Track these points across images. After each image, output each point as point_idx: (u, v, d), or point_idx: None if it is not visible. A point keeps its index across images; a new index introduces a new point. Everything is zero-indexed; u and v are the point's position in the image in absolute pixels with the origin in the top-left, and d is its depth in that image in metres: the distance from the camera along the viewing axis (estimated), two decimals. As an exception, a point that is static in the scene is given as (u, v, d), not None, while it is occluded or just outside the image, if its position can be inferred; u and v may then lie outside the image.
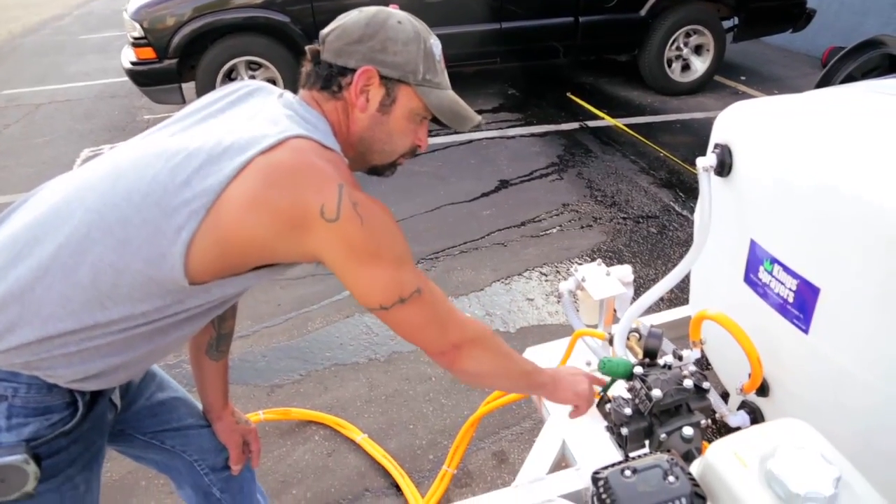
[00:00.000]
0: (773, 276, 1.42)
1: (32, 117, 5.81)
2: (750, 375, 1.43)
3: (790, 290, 1.37)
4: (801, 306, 1.35)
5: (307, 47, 1.14)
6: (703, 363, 1.78)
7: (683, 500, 1.05)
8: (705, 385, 1.37)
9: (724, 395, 1.69)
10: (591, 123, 4.99)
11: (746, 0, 5.57)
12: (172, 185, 0.95)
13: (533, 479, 1.49)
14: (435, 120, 1.17)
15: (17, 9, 11.97)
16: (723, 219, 1.58)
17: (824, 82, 2.64)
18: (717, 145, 1.55)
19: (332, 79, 1.10)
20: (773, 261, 1.41)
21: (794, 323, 1.38)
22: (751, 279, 1.50)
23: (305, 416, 2.27)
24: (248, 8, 4.69)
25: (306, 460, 2.12)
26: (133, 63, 4.73)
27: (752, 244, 1.48)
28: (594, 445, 1.53)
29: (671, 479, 1.08)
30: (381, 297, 1.03)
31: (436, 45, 1.14)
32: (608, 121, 5.00)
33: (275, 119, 1.02)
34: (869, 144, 1.32)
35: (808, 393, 1.43)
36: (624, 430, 1.33)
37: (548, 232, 3.48)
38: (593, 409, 1.42)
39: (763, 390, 1.53)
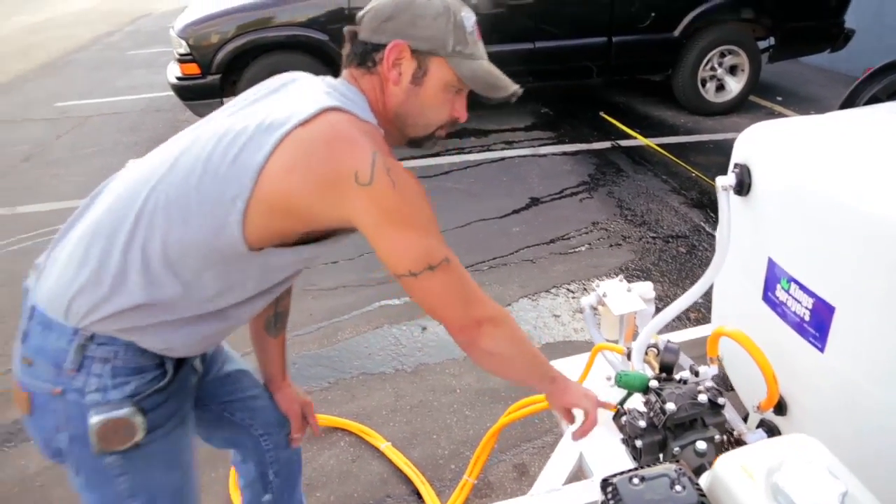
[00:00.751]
0: (790, 295, 1.44)
1: (82, 128, 6.04)
2: (766, 393, 1.45)
3: (806, 308, 1.39)
4: (817, 325, 1.37)
5: (345, 29, 1.20)
6: (726, 384, 1.79)
7: None
8: (720, 401, 1.39)
9: (746, 417, 1.70)
10: (624, 143, 5.02)
11: (782, 20, 5.53)
12: (224, 162, 1.04)
13: (549, 490, 1.53)
14: (472, 92, 1.20)
15: (75, 27, 12.47)
16: (742, 237, 1.60)
17: (848, 104, 2.63)
18: (736, 165, 1.58)
19: (367, 55, 1.15)
20: (790, 279, 1.43)
21: (810, 342, 1.40)
22: (769, 297, 1.52)
23: (332, 422, 2.33)
24: (289, 27, 4.84)
25: (331, 465, 2.18)
26: (178, 78, 4.91)
27: (770, 262, 1.50)
28: (610, 458, 1.56)
29: (678, 488, 1.11)
30: (410, 263, 1.07)
31: (467, 18, 1.16)
32: (640, 140, 5.02)
33: (314, 96, 1.09)
34: (885, 164, 1.34)
35: (825, 411, 1.44)
36: (638, 443, 1.36)
37: (576, 250, 3.51)
38: (609, 422, 1.45)
39: (781, 409, 1.55)
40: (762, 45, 5.65)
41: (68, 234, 1.13)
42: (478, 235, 3.69)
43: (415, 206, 1.07)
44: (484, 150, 4.92)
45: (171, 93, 5.12)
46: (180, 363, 1.20)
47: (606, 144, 5.00)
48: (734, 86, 5.63)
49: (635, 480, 1.13)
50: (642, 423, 1.36)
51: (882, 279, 1.22)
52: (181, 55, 4.84)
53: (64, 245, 1.12)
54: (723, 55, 5.52)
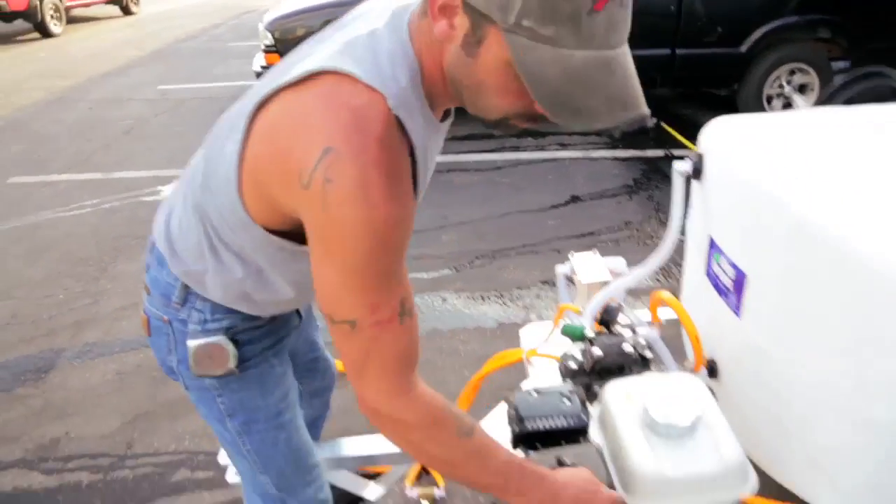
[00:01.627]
0: (721, 267, 1.61)
1: (178, 109, 6.66)
2: (694, 354, 1.64)
3: (730, 278, 1.56)
4: (736, 292, 1.54)
5: None
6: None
7: (569, 417, 1.30)
8: (648, 354, 1.58)
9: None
10: (678, 152, 5.10)
11: (862, 40, 5.42)
12: (239, 114, 0.96)
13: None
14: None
15: (190, 17, 13.50)
16: (696, 220, 1.78)
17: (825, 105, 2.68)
18: (696, 153, 1.76)
19: None
20: (721, 253, 1.61)
21: (731, 308, 1.57)
22: (710, 271, 1.70)
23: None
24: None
25: (337, 404, 2.46)
26: (262, 67, 5.37)
27: (711, 241, 1.67)
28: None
29: (566, 401, 1.33)
30: (319, 299, 0.92)
31: None
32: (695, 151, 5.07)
33: (339, 47, 0.88)
34: (809, 158, 1.50)
35: (741, 372, 1.60)
36: (568, 384, 1.57)
37: (603, 244, 3.67)
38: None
39: (713, 372, 1.71)
40: (837, 65, 5.56)
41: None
42: (514, 224, 3.91)
43: (341, 240, 0.85)
44: (538, 150, 5.13)
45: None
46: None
47: (660, 153, 5.10)
48: (802, 105, 5.57)
49: (532, 394, 1.35)
50: (573, 365, 1.57)
51: (782, 254, 1.39)
52: (267, 46, 5.30)
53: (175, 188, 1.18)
54: (792, 73, 5.48)
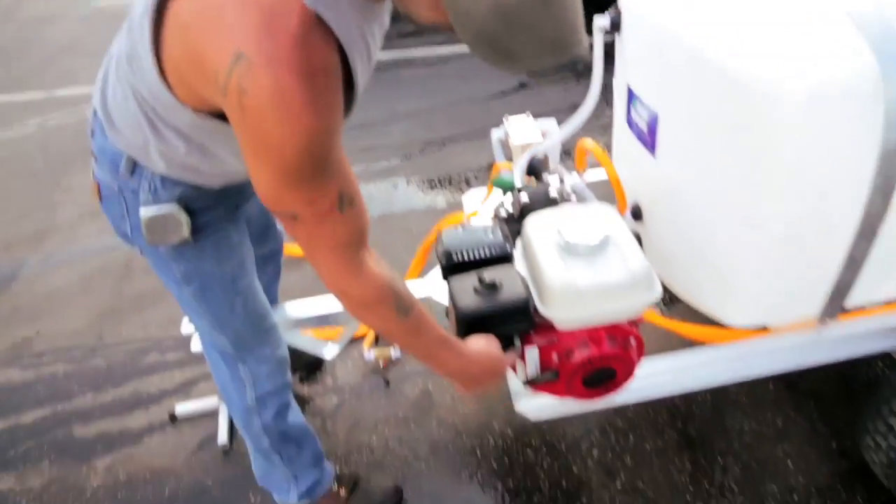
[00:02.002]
0: (637, 112, 1.71)
1: (117, 24, 6.38)
2: (617, 197, 1.76)
3: (645, 121, 1.67)
4: (650, 134, 1.65)
5: None
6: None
7: (492, 247, 1.41)
8: (573, 199, 1.70)
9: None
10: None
11: None
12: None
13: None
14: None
15: None
16: (618, 72, 1.87)
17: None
18: (614, 8, 1.83)
19: None
20: (637, 99, 1.70)
21: (648, 150, 1.68)
22: (629, 119, 1.80)
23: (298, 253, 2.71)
24: None
25: (295, 280, 2.58)
26: None
27: (629, 89, 1.77)
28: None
29: (490, 234, 1.44)
30: (258, 193, 0.93)
31: None
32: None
33: None
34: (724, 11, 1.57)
35: (659, 210, 1.74)
36: (499, 229, 1.68)
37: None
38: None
39: (637, 215, 1.85)
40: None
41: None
42: (462, 113, 3.97)
43: (271, 152, 0.85)
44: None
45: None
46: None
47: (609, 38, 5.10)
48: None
49: (459, 229, 1.46)
50: (503, 213, 1.69)
51: (683, 88, 1.48)
52: None
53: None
54: None
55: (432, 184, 3.29)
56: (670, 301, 2.29)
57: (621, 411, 1.99)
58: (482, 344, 1.24)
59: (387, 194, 3.20)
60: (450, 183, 3.28)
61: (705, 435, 1.93)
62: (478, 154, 3.47)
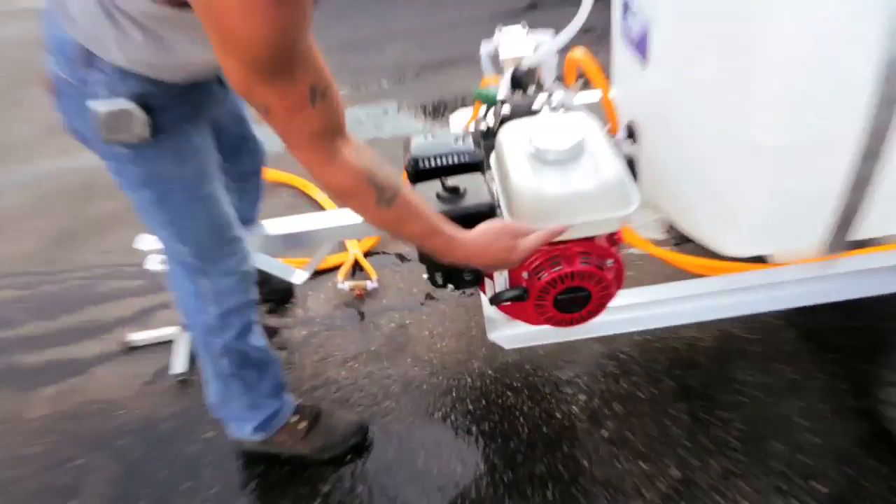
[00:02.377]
0: (630, 23, 1.50)
1: None
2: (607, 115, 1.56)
3: (637, 31, 1.46)
4: (641, 40, 1.44)
5: None
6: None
7: (461, 154, 1.23)
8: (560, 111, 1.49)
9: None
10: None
11: None
12: None
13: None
14: None
15: None
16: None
17: None
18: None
19: None
20: (630, 9, 1.49)
21: (640, 59, 1.47)
22: (624, 31, 1.58)
23: (278, 178, 2.52)
24: None
25: (274, 206, 2.40)
26: None
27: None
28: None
29: (458, 141, 1.25)
30: (230, 83, 0.89)
31: None
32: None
33: None
34: None
35: (652, 127, 1.53)
36: (481, 144, 1.48)
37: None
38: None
39: (632, 135, 1.63)
40: None
41: None
42: (463, 35, 3.66)
43: (238, 45, 0.81)
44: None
45: None
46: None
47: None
48: None
49: (428, 136, 1.27)
50: (483, 127, 1.48)
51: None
52: None
53: None
54: None
55: (426, 110, 3.06)
56: (681, 240, 2.08)
57: (613, 354, 1.80)
58: (482, 226, 1.11)
59: (376, 119, 2.98)
60: (445, 110, 3.04)
61: (707, 385, 1.72)
62: (478, 80, 3.21)
